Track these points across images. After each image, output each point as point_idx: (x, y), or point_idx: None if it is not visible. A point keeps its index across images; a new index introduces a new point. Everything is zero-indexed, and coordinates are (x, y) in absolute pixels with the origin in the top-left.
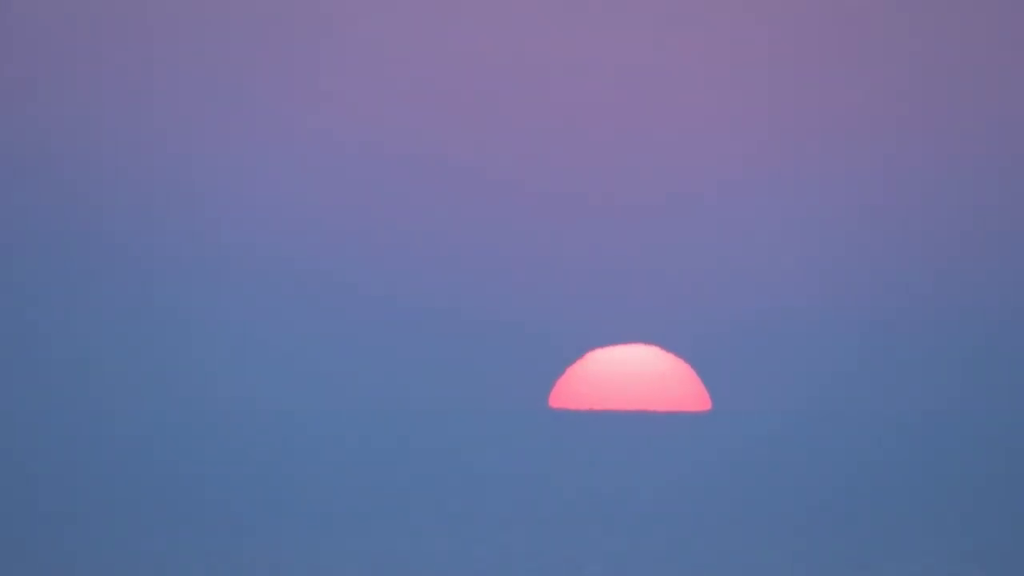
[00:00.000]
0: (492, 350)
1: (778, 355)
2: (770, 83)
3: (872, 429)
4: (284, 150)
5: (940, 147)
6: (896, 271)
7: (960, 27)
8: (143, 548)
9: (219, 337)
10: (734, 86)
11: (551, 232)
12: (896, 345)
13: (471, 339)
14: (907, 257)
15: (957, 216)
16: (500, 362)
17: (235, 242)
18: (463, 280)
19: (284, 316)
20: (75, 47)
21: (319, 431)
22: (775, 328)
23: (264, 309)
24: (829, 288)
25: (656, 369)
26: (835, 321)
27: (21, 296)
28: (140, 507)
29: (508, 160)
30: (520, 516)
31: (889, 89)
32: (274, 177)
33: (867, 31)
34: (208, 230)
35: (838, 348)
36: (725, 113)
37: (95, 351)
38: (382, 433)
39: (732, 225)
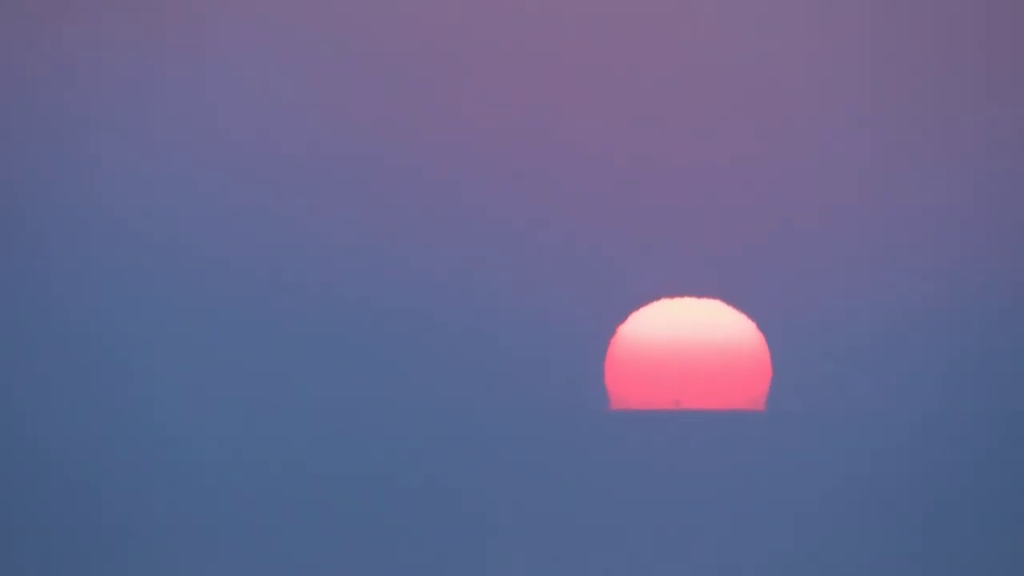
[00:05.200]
0: (532, 346)
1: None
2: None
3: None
4: (286, 143)
5: None
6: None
7: None
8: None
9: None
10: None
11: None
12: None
13: (504, 336)
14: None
15: None
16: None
17: (265, 244)
18: (480, 278)
19: (319, 316)
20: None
21: (357, 435)
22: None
23: (296, 308)
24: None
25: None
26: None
27: None
28: (139, 509)
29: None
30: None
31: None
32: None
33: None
34: (214, 232)
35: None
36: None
37: (100, 351)
38: (419, 438)
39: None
